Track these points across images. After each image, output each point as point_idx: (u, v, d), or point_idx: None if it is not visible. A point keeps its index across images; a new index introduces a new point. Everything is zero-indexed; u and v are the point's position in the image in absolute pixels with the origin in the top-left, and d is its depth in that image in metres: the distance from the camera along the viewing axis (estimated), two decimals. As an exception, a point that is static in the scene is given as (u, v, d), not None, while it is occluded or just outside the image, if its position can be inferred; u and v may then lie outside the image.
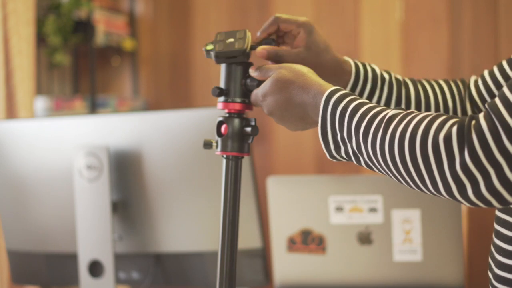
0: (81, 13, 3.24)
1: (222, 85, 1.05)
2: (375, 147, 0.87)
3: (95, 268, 1.48)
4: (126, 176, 1.48)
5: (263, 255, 1.45)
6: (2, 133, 1.56)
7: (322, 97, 0.94)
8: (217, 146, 1.05)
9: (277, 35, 1.13)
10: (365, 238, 1.62)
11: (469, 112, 1.16)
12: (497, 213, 1.03)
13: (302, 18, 1.11)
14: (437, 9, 3.20)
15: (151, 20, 3.76)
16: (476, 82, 1.17)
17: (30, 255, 1.59)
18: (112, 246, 1.47)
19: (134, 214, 1.49)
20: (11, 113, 2.40)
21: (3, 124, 1.59)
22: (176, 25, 3.70)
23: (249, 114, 1.08)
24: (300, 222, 1.65)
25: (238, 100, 1.04)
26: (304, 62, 1.06)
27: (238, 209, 1.04)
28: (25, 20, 2.43)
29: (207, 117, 1.41)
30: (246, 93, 1.04)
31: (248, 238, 1.43)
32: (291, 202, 1.66)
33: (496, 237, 1.03)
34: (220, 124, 1.04)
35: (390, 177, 0.88)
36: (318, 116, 0.95)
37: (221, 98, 1.04)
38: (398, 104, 1.15)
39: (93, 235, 1.47)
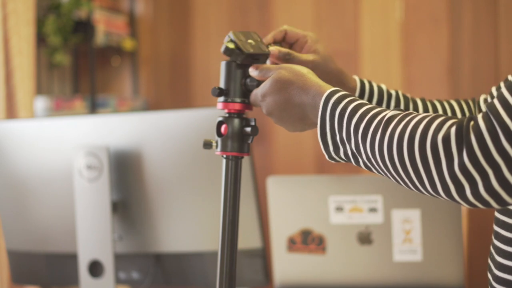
0: (81, 13, 3.24)
1: (222, 85, 1.05)
2: (374, 148, 0.87)
3: (95, 268, 1.48)
4: (126, 176, 1.48)
5: (263, 255, 1.45)
6: (2, 133, 1.56)
7: (321, 98, 0.94)
8: (217, 146, 1.05)
9: (287, 44, 1.15)
10: (365, 238, 1.62)
11: None
12: (496, 214, 1.03)
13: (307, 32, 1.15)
14: (437, 9, 3.20)
15: (151, 20, 3.76)
16: (486, 100, 1.18)
17: (30, 255, 1.59)
18: (112, 246, 1.47)
19: (134, 214, 1.49)
20: (11, 113, 2.40)
21: (3, 124, 1.59)
22: (176, 25, 3.70)
23: (249, 114, 1.08)
24: (300, 222, 1.65)
25: (238, 100, 1.04)
26: (313, 68, 1.07)
27: (238, 209, 1.04)
28: (25, 20, 2.43)
29: (207, 117, 1.41)
30: (246, 93, 1.04)
31: (248, 238, 1.43)
32: (291, 202, 1.66)
33: (496, 238, 1.03)
34: (220, 124, 1.04)
35: (389, 178, 0.88)
36: (317, 117, 0.95)
37: (221, 98, 1.04)
38: None
39: (93, 235, 1.47)
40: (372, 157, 0.88)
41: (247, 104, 1.05)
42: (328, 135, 0.94)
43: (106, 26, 3.42)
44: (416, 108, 1.17)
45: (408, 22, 3.25)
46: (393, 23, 3.27)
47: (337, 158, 0.96)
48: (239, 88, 1.04)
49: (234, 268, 1.04)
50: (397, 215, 1.60)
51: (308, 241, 1.65)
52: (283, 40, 1.14)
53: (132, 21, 3.76)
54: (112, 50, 3.65)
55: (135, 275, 1.55)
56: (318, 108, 0.94)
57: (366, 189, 1.61)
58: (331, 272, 1.64)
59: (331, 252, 1.64)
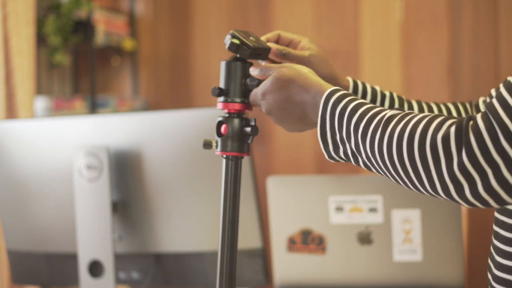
0: (81, 13, 3.24)
1: (222, 85, 1.05)
2: (374, 147, 0.87)
3: (95, 268, 1.48)
4: (126, 176, 1.48)
5: (263, 255, 1.45)
6: (2, 133, 1.56)
7: (321, 97, 0.94)
8: (217, 146, 1.05)
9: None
10: (365, 238, 1.62)
11: None
12: (496, 214, 1.03)
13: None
14: (437, 9, 3.20)
15: (151, 20, 3.76)
16: (485, 102, 1.17)
17: (30, 255, 1.59)
18: (112, 246, 1.47)
19: (134, 214, 1.49)
20: (11, 113, 2.40)
21: (3, 124, 1.59)
22: (176, 25, 3.70)
23: (249, 114, 1.08)
24: (300, 222, 1.65)
25: (238, 100, 1.04)
26: (308, 65, 1.08)
27: (238, 209, 1.04)
28: (25, 20, 2.43)
29: (207, 117, 1.41)
30: (246, 93, 1.05)
31: (248, 238, 1.43)
32: (291, 202, 1.66)
33: (495, 238, 1.03)
34: (220, 124, 1.04)
35: (388, 177, 0.88)
36: (317, 116, 0.95)
37: (221, 98, 1.04)
38: None
39: (93, 235, 1.47)
40: (372, 156, 0.88)
41: (247, 104, 1.05)
42: (328, 134, 0.93)
43: (106, 26, 3.42)
44: (411, 110, 1.17)
45: (408, 22, 3.25)
46: (393, 23, 3.27)
47: (337, 158, 0.96)
48: (239, 88, 1.04)
49: (234, 268, 1.04)
50: (397, 215, 1.60)
51: (308, 241, 1.65)
52: (276, 42, 1.15)
53: (132, 21, 3.76)
54: (112, 50, 3.66)
55: (135, 275, 1.55)
56: (319, 107, 0.94)
57: (366, 189, 1.61)
58: (331, 272, 1.64)
59: (331, 252, 1.64)
